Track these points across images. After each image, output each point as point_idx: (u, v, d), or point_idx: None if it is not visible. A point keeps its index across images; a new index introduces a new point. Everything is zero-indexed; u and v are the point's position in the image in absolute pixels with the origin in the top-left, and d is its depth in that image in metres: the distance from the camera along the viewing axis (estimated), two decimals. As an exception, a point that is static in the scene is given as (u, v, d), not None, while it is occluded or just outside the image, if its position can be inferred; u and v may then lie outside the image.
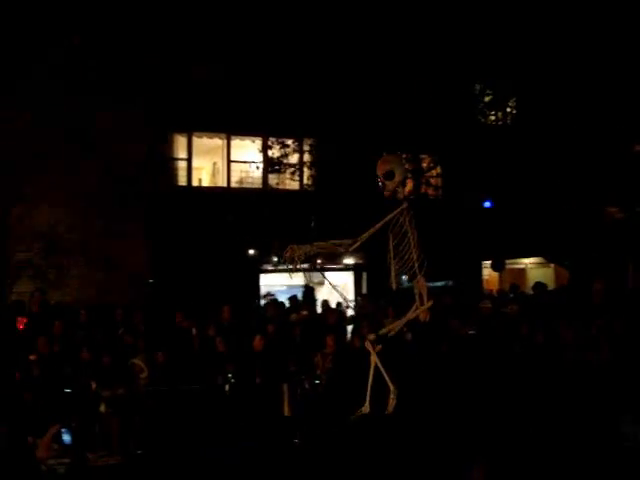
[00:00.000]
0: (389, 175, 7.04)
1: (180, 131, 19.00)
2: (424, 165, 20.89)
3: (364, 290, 20.23)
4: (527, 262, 23.17)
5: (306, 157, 19.91)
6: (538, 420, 8.19)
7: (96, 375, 9.93)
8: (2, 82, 14.62)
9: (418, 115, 17.79)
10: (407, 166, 20.39)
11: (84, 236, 16.13)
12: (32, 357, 10.32)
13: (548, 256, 21.61)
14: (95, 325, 11.72)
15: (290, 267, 6.72)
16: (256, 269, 19.17)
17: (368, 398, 6.83)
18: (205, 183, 20.60)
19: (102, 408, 9.68)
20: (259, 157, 19.79)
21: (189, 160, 19.11)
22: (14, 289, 14.04)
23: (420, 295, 7.13)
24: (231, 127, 19.12)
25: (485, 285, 22.01)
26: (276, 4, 17.43)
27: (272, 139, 19.34)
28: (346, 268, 20.72)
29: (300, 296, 14.84)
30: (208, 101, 17.63)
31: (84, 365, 10.24)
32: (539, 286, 14.14)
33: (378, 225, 7.02)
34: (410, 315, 7.19)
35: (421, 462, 6.23)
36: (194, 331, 11.63)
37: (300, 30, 17.52)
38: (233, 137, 19.63)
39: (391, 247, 7.04)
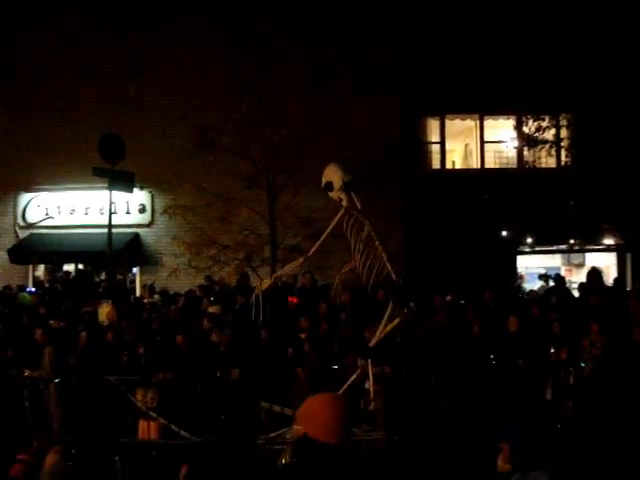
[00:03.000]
0: (329, 186, 7.49)
1: (432, 114, 19.13)
2: None
3: (628, 273, 18.97)
4: None
5: (563, 133, 19.06)
6: None
7: (357, 352, 10.37)
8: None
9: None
10: None
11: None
12: (302, 335, 11.10)
13: None
14: (357, 305, 12.26)
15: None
16: (512, 250, 18.81)
17: None
18: (457, 165, 20.56)
19: (366, 384, 10.12)
20: (513, 136, 19.32)
21: (442, 143, 19.19)
22: (284, 271, 15.08)
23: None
24: (484, 107, 18.87)
25: None
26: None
27: (527, 117, 18.73)
28: (607, 249, 19.60)
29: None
30: (460, 83, 17.54)
31: (347, 343, 10.77)
32: None
33: (324, 235, 7.73)
34: (394, 324, 7.63)
35: None
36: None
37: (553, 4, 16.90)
38: (486, 117, 19.37)
39: (356, 256, 7.59)
